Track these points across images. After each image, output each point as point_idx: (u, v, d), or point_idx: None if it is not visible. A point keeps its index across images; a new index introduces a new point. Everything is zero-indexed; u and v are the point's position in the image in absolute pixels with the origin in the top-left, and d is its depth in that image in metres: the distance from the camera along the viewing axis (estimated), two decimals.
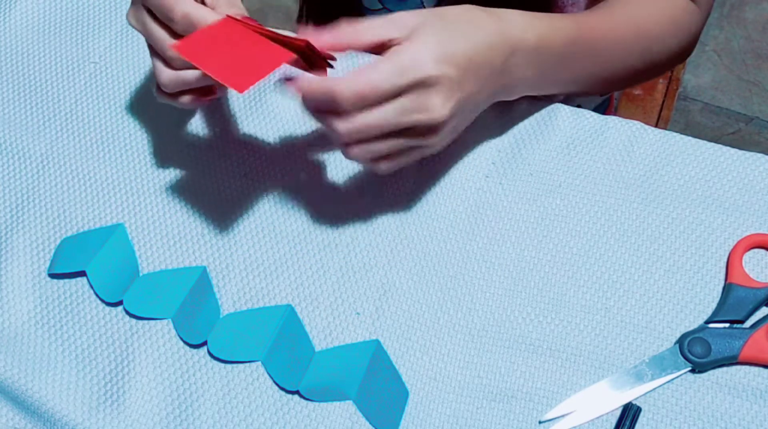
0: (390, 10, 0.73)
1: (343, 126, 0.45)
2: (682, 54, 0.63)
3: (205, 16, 0.46)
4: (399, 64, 0.44)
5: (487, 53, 0.46)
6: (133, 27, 0.50)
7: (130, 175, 0.60)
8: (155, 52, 0.49)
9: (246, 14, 0.49)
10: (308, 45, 0.45)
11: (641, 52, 0.58)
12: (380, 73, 0.43)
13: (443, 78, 0.44)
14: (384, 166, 0.49)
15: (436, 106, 0.45)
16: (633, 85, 0.65)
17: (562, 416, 0.50)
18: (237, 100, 0.62)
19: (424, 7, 0.72)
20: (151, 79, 0.62)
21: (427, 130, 0.46)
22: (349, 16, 0.75)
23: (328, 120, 0.45)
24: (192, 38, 0.46)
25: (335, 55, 0.47)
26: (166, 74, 0.48)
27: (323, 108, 0.45)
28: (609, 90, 0.66)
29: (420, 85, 0.44)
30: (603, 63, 0.56)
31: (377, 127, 0.45)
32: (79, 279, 0.56)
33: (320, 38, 0.45)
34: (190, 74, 0.48)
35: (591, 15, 0.56)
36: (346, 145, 0.46)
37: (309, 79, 0.46)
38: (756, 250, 0.53)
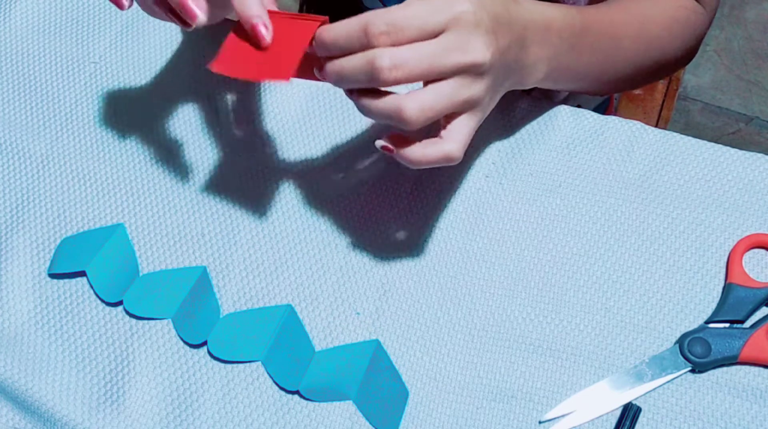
0: None
1: (386, 57, 0.41)
2: (687, 55, 0.63)
3: None
4: (435, 3, 0.42)
5: (510, 15, 0.45)
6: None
7: (130, 175, 0.60)
8: None
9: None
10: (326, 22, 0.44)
11: (646, 50, 0.58)
12: (415, 10, 0.41)
13: (481, 21, 0.42)
14: (451, 145, 0.45)
15: (477, 47, 0.42)
16: (639, 85, 0.65)
17: (562, 416, 0.50)
18: (237, 102, 0.62)
19: None
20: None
21: (473, 73, 0.43)
22: (347, 14, 0.75)
23: (369, 58, 0.41)
24: (223, 53, 0.45)
25: None
26: None
27: (355, 48, 0.42)
28: (616, 90, 0.65)
29: (458, 23, 0.42)
30: (608, 59, 0.56)
31: (420, 61, 0.42)
32: (79, 279, 0.56)
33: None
34: None
35: (594, 9, 0.56)
36: (400, 103, 0.43)
37: (331, 25, 0.43)
38: (756, 250, 0.53)
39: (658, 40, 0.59)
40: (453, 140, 0.45)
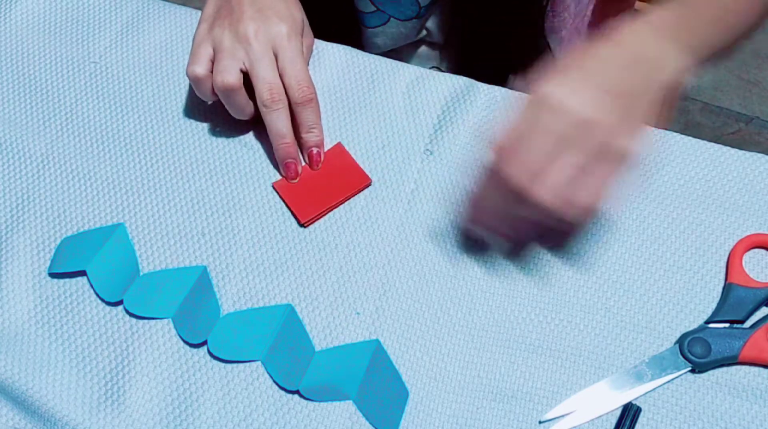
0: (383, 12, 0.73)
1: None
2: None
3: None
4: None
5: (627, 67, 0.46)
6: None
7: (130, 175, 0.60)
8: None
9: None
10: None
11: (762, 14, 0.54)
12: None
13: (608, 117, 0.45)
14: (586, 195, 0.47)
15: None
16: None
17: (562, 416, 0.50)
18: None
19: (420, 6, 0.71)
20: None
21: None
22: (342, 18, 0.75)
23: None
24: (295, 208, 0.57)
25: None
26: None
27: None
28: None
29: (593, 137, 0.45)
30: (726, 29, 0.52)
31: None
32: (79, 279, 0.56)
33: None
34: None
35: None
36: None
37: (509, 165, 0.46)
38: (756, 250, 0.53)
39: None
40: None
